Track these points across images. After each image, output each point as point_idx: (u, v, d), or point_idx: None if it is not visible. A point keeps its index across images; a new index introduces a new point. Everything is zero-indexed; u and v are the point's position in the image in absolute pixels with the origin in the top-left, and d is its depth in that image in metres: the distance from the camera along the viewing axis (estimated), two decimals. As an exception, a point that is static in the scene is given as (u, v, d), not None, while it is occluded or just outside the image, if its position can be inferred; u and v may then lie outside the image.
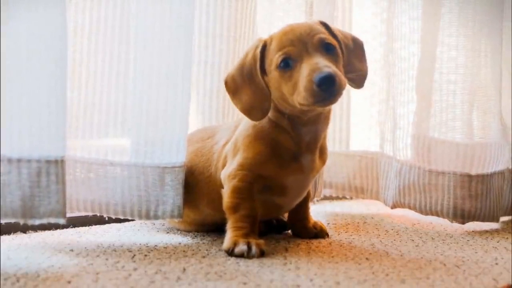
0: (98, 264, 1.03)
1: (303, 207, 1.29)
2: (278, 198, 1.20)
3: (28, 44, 1.04)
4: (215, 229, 1.28)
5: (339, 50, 1.13)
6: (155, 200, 1.21)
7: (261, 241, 1.13)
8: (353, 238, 1.29)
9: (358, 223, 1.47)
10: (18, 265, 1.01)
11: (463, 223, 1.44)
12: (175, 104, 1.20)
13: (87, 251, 1.12)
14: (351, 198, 1.75)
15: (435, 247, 1.23)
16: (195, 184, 1.24)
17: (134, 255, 1.10)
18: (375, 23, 1.64)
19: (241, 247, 1.10)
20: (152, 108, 1.20)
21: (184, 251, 1.14)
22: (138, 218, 1.22)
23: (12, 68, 1.03)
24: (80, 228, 1.33)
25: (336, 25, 1.54)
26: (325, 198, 1.75)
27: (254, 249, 1.09)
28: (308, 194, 1.30)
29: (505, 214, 1.54)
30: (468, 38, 1.47)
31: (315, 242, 1.24)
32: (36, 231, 1.26)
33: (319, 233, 1.28)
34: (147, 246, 1.17)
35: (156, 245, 1.18)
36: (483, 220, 1.44)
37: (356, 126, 1.71)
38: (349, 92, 1.66)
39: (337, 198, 1.79)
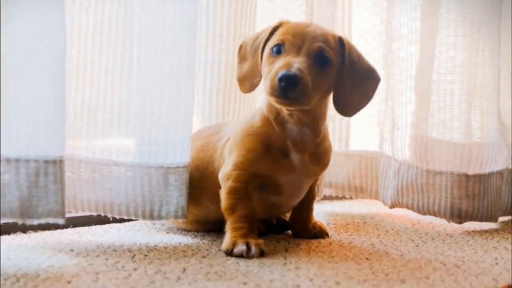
0: (98, 264, 1.03)
1: (305, 208, 1.29)
2: (274, 197, 1.20)
3: (26, 44, 1.03)
4: (216, 228, 1.28)
5: (332, 69, 1.13)
6: (159, 200, 1.21)
7: (261, 241, 1.13)
8: (353, 238, 1.29)
9: (358, 223, 1.47)
10: (18, 265, 1.01)
11: (460, 223, 1.44)
12: (178, 104, 1.20)
13: (87, 251, 1.12)
14: (351, 198, 1.75)
15: (435, 247, 1.23)
16: (200, 179, 1.24)
17: (134, 255, 1.10)
18: (375, 23, 1.64)
19: (240, 247, 1.10)
20: (156, 108, 1.20)
21: (184, 251, 1.14)
22: (142, 218, 1.22)
23: (10, 68, 1.03)
24: (80, 228, 1.33)
25: (336, 25, 1.54)
26: (325, 198, 1.75)
27: (253, 249, 1.09)
28: (312, 196, 1.30)
29: (504, 214, 1.54)
30: (466, 38, 1.47)
31: (315, 242, 1.24)
32: (36, 231, 1.26)
33: (318, 233, 1.28)
34: (147, 246, 1.17)
35: (156, 245, 1.18)
36: (480, 220, 1.44)
37: (356, 126, 1.71)
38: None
39: (337, 198, 1.79)
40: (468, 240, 1.31)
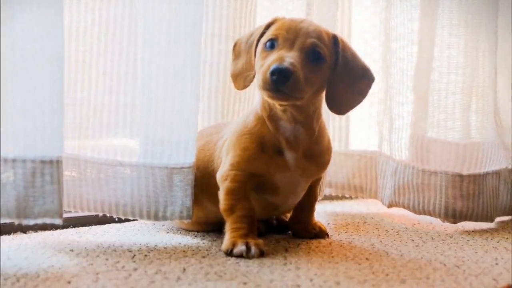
0: (98, 264, 1.03)
1: (306, 209, 1.29)
2: (271, 197, 1.20)
3: (23, 43, 1.03)
4: (216, 229, 1.28)
5: (325, 65, 1.12)
6: (164, 201, 1.21)
7: (260, 241, 1.13)
8: (353, 238, 1.29)
9: (358, 223, 1.47)
10: (18, 265, 1.01)
11: (454, 222, 1.44)
12: (183, 104, 1.21)
13: (87, 251, 1.12)
14: (351, 197, 1.75)
15: (435, 247, 1.23)
16: (200, 179, 1.24)
17: (134, 255, 1.10)
18: (375, 23, 1.65)
19: (240, 248, 1.10)
20: (160, 108, 1.20)
21: (184, 251, 1.14)
22: (147, 219, 1.22)
23: (8, 68, 1.02)
24: (80, 228, 1.33)
25: (336, 25, 1.54)
26: (325, 198, 1.75)
27: (253, 249, 1.09)
28: (314, 197, 1.30)
29: (503, 214, 1.54)
30: (465, 38, 1.47)
31: (315, 242, 1.24)
32: (36, 231, 1.26)
33: (318, 233, 1.28)
34: (147, 246, 1.17)
35: (156, 245, 1.18)
36: (476, 220, 1.44)
37: (356, 125, 1.71)
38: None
39: (337, 198, 1.79)
40: (468, 240, 1.31)
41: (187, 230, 1.33)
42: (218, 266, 1.03)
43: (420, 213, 1.47)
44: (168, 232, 1.31)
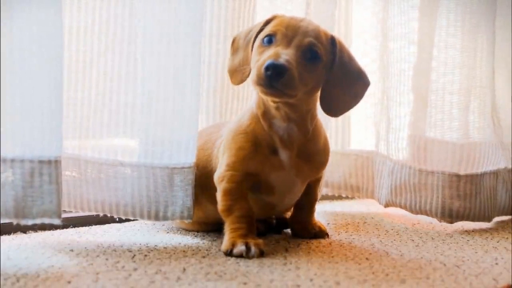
0: (98, 264, 1.03)
1: (306, 209, 1.29)
2: (267, 197, 1.20)
3: (22, 43, 1.03)
4: (217, 229, 1.28)
5: (322, 65, 1.12)
6: (164, 201, 1.21)
7: (260, 241, 1.13)
8: (353, 238, 1.29)
9: (358, 223, 1.47)
10: (18, 265, 1.01)
11: (451, 222, 1.44)
12: (183, 103, 1.20)
13: (87, 251, 1.12)
14: (347, 197, 1.75)
15: (435, 247, 1.23)
16: (200, 178, 1.24)
17: (134, 255, 1.10)
18: (374, 23, 1.64)
19: (240, 248, 1.10)
20: (161, 108, 1.20)
21: (184, 251, 1.14)
22: (148, 219, 1.21)
23: (7, 68, 1.02)
24: (80, 228, 1.33)
25: (335, 25, 1.54)
26: (325, 198, 1.75)
27: (253, 249, 1.09)
28: (314, 198, 1.30)
29: (502, 214, 1.54)
30: (463, 38, 1.47)
31: (315, 242, 1.24)
32: (36, 231, 1.26)
33: (318, 233, 1.28)
34: (147, 246, 1.17)
35: (156, 245, 1.18)
36: (473, 220, 1.44)
37: (354, 125, 1.71)
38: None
39: (338, 198, 1.79)
40: (468, 240, 1.31)
41: (187, 230, 1.33)
42: (218, 266, 1.03)
43: (417, 213, 1.47)
44: (168, 232, 1.31)
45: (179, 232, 1.32)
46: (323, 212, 1.59)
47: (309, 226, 1.29)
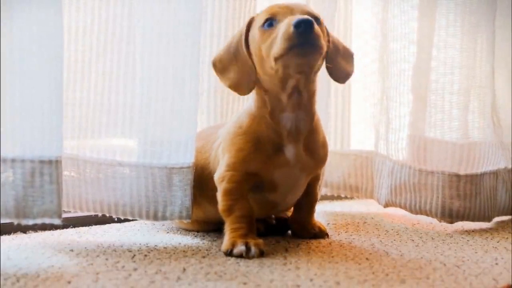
0: (98, 264, 1.03)
1: (306, 209, 1.29)
2: (270, 195, 1.20)
3: (22, 43, 1.03)
4: (216, 229, 1.28)
5: (324, 29, 1.15)
6: (163, 201, 1.21)
7: (260, 241, 1.13)
8: (353, 238, 1.29)
9: (358, 223, 1.47)
10: (18, 265, 1.01)
11: (451, 222, 1.44)
12: (182, 103, 1.20)
13: (87, 251, 1.12)
14: (347, 197, 1.75)
15: (435, 247, 1.23)
16: (199, 181, 1.24)
17: (134, 255, 1.10)
18: (374, 23, 1.64)
19: (240, 248, 1.10)
20: (160, 108, 1.20)
21: (184, 251, 1.14)
22: (146, 219, 1.21)
23: (7, 68, 1.02)
24: (80, 228, 1.33)
25: (335, 25, 1.54)
26: (324, 197, 1.75)
27: (253, 249, 1.09)
28: (314, 198, 1.30)
29: (502, 214, 1.54)
30: (463, 38, 1.48)
31: (315, 242, 1.24)
32: (36, 231, 1.26)
33: (318, 233, 1.28)
34: (147, 246, 1.17)
35: (156, 245, 1.18)
36: (473, 220, 1.44)
37: (354, 125, 1.71)
38: (348, 89, 1.67)
39: (338, 198, 1.79)
40: (468, 240, 1.31)
41: (187, 230, 1.33)
42: (218, 266, 1.03)
43: (416, 213, 1.47)
44: (168, 232, 1.31)
45: (179, 232, 1.32)
46: (323, 212, 1.59)
47: (308, 226, 1.29)
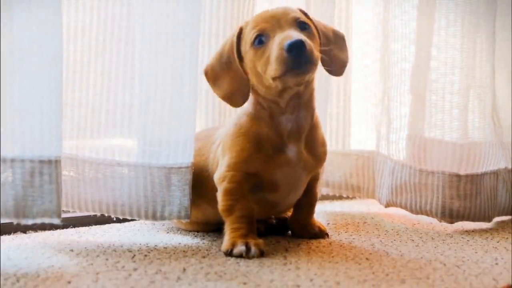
0: (98, 264, 1.03)
1: (306, 209, 1.29)
2: (270, 195, 1.20)
3: (22, 43, 1.03)
4: (216, 229, 1.28)
5: (314, 31, 1.14)
6: (162, 201, 1.21)
7: (260, 241, 1.13)
8: (353, 238, 1.29)
9: (358, 223, 1.47)
10: (18, 265, 1.01)
11: (451, 222, 1.44)
12: (181, 103, 1.20)
13: (87, 251, 1.12)
14: (348, 197, 1.75)
15: (435, 247, 1.23)
16: (198, 182, 1.24)
17: (134, 255, 1.10)
18: (375, 24, 1.64)
19: (240, 248, 1.10)
20: (158, 108, 1.20)
21: (184, 251, 1.14)
22: (145, 218, 1.22)
23: (7, 68, 1.03)
24: (80, 228, 1.33)
25: (336, 26, 1.54)
26: (325, 197, 1.75)
27: (253, 249, 1.09)
28: (314, 198, 1.30)
29: (502, 214, 1.54)
30: (462, 38, 1.47)
31: (315, 242, 1.24)
32: (36, 231, 1.26)
33: (318, 233, 1.28)
34: (147, 246, 1.17)
35: (156, 245, 1.18)
36: (473, 220, 1.44)
37: (355, 125, 1.71)
38: (349, 89, 1.67)
39: (338, 198, 1.79)
40: (468, 240, 1.31)
41: (187, 230, 1.33)
42: (218, 266, 1.03)
43: (417, 213, 1.47)
44: (168, 232, 1.31)
45: (179, 232, 1.32)
46: (323, 212, 1.59)
47: (308, 226, 1.29)
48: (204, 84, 1.41)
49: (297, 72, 1.07)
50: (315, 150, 1.20)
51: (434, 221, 1.50)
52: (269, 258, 1.09)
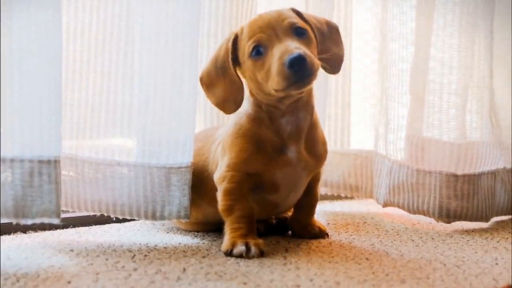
0: (98, 264, 1.03)
1: (306, 210, 1.29)
2: (271, 195, 1.20)
3: (22, 43, 1.03)
4: (216, 229, 1.28)
5: (311, 34, 1.14)
6: (161, 200, 1.21)
7: (260, 241, 1.13)
8: (353, 238, 1.29)
9: (358, 223, 1.47)
10: (18, 265, 1.01)
11: (448, 222, 1.44)
12: (181, 103, 1.20)
13: (87, 251, 1.12)
14: (346, 197, 1.75)
15: (435, 247, 1.23)
16: (197, 183, 1.24)
17: (134, 255, 1.10)
18: (374, 24, 1.64)
19: (240, 248, 1.10)
20: (158, 108, 1.20)
21: (184, 251, 1.14)
22: (145, 218, 1.22)
23: (6, 68, 1.02)
24: (80, 228, 1.33)
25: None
26: (324, 197, 1.75)
27: (253, 249, 1.09)
28: (314, 198, 1.29)
29: (501, 214, 1.54)
30: (461, 38, 1.48)
31: (315, 242, 1.24)
32: (36, 231, 1.26)
33: (318, 233, 1.28)
34: (147, 246, 1.17)
35: (156, 245, 1.18)
36: (470, 220, 1.44)
37: (354, 125, 1.71)
38: (348, 89, 1.67)
39: (337, 198, 1.79)
40: (468, 240, 1.31)
41: (187, 230, 1.33)
42: (218, 266, 1.03)
43: (414, 213, 1.48)
44: (168, 232, 1.31)
45: (179, 232, 1.32)
46: (323, 212, 1.59)
47: (309, 226, 1.29)
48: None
49: (299, 85, 1.07)
50: (315, 150, 1.20)
51: (434, 221, 1.50)
52: (269, 258, 1.09)
